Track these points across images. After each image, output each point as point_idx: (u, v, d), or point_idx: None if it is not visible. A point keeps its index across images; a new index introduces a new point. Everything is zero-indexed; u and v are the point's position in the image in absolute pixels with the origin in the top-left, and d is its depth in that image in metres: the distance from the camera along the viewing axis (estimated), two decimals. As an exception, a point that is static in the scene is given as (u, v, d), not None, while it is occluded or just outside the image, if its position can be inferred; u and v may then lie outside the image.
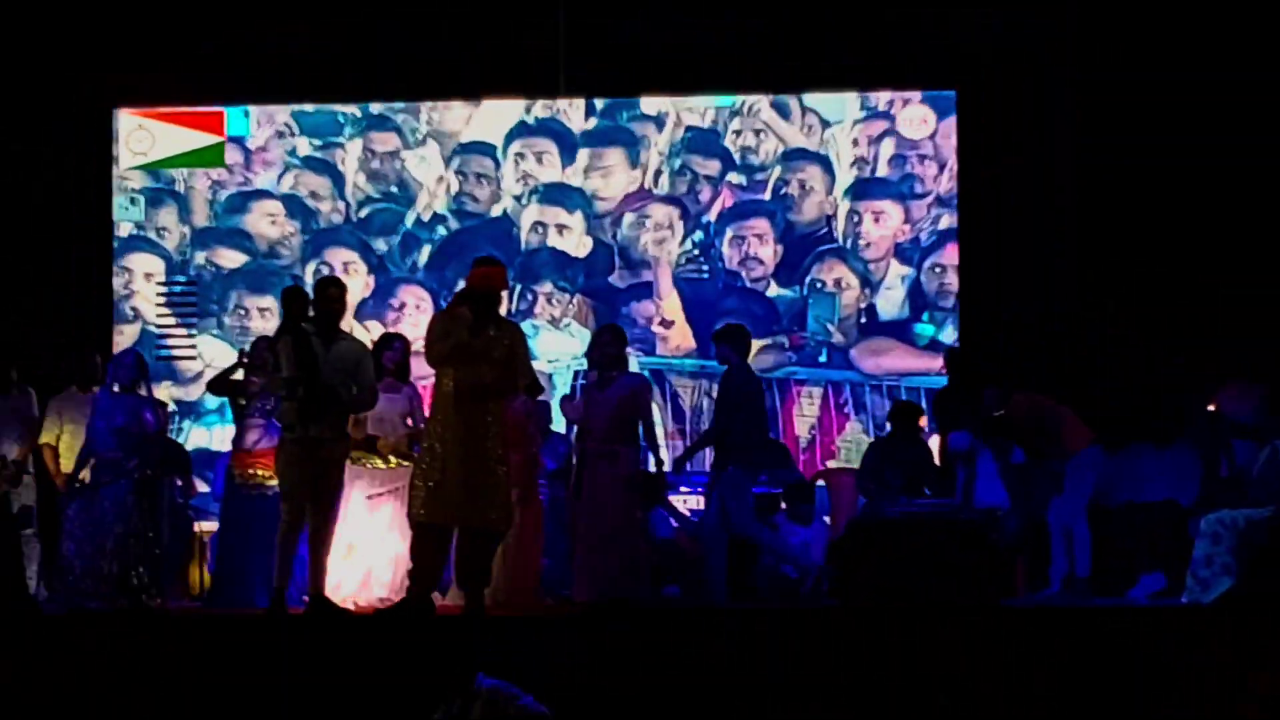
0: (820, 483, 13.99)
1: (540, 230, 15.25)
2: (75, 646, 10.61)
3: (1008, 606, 11.53)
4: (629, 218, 15.14)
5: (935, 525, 11.81)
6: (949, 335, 14.58)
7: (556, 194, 15.23)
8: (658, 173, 15.07)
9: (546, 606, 12.01)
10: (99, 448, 11.83)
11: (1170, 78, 13.78)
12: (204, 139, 15.68)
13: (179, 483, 13.16)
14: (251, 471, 12.26)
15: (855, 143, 14.85)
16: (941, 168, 14.67)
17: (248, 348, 12.64)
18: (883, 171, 14.82)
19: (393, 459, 12.21)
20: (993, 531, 12.29)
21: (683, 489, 13.94)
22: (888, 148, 14.83)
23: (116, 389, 11.98)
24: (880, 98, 14.99)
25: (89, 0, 15.08)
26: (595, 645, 10.39)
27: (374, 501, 12.13)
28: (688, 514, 13.63)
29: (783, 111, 14.95)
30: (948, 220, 14.68)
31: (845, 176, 14.83)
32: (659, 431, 12.85)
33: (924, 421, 13.59)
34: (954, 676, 10.22)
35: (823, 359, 14.54)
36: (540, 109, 15.27)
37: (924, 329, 14.46)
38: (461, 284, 11.73)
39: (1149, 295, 14.10)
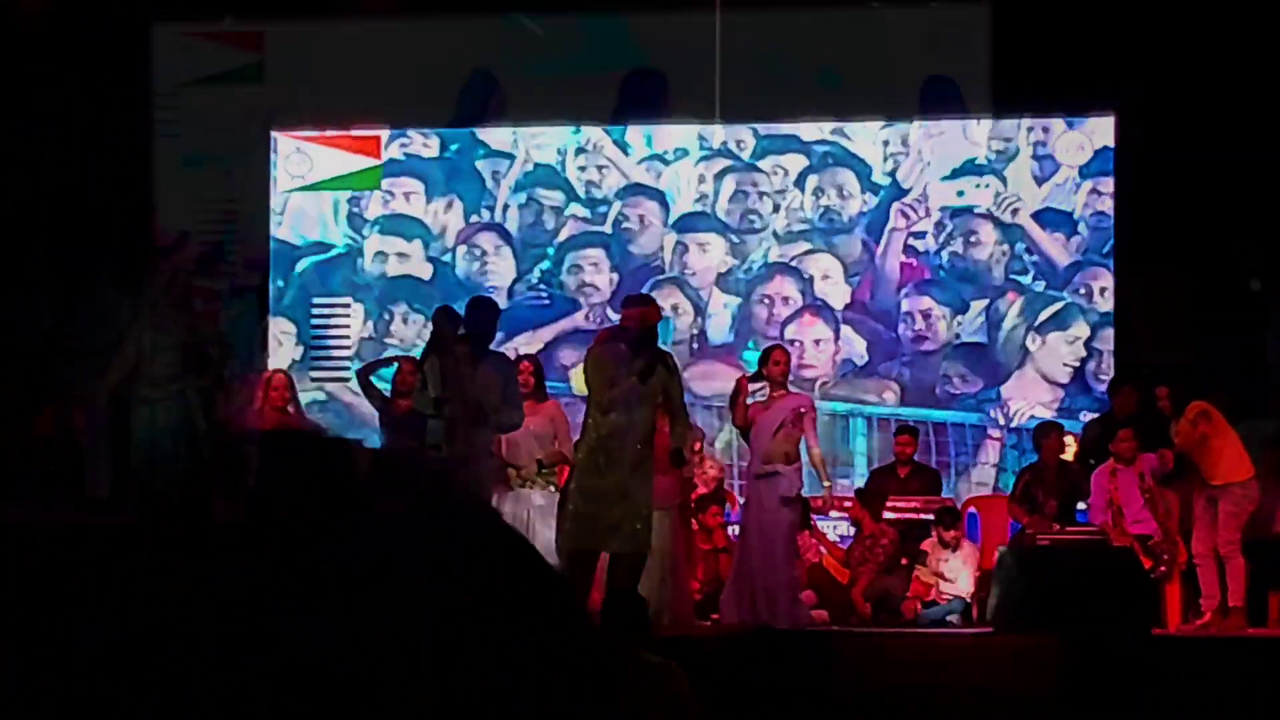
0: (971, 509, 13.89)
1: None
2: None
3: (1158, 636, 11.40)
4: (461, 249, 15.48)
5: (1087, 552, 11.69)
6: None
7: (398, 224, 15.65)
8: (505, 206, 15.39)
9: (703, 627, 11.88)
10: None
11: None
12: (362, 162, 15.92)
13: None
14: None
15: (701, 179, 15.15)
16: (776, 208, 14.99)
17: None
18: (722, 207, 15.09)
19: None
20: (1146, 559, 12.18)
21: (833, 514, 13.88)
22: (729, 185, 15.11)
23: None
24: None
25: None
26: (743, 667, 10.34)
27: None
28: (837, 540, 13.56)
29: (624, 148, 15.21)
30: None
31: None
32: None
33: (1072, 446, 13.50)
34: (1099, 703, 10.09)
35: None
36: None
37: (751, 355, 14.25)
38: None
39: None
